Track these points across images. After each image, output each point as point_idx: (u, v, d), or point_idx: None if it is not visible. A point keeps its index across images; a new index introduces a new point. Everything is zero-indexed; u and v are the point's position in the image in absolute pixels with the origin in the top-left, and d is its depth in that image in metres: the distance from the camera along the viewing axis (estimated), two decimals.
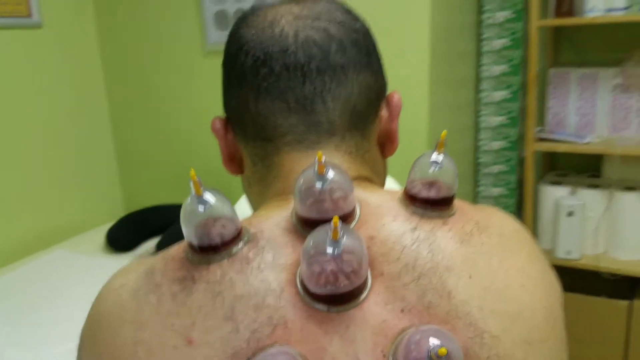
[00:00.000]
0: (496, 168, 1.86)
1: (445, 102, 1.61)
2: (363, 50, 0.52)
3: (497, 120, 1.82)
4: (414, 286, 0.41)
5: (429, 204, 0.46)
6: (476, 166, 1.90)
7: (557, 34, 1.86)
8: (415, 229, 0.44)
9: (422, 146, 1.44)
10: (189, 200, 0.42)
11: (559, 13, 1.64)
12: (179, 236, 1.02)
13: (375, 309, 0.40)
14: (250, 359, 0.37)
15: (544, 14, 1.71)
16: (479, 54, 1.82)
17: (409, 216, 0.45)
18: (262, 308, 0.39)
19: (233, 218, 0.43)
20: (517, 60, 1.76)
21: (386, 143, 0.56)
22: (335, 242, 0.38)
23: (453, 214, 0.46)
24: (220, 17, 1.58)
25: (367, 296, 0.41)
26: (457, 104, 1.74)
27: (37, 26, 1.56)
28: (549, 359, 0.42)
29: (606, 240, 1.78)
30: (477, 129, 1.87)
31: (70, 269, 1.32)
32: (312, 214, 0.43)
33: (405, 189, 0.47)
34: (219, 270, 0.41)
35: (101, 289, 0.47)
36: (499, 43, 1.76)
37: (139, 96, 1.78)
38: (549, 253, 1.81)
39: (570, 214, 1.72)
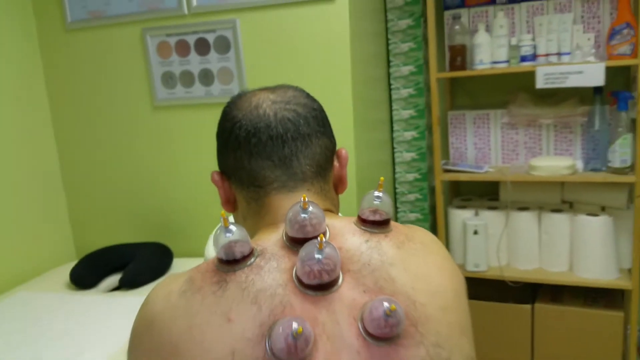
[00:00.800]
0: (412, 196, 2.13)
1: (367, 141, 1.86)
2: (320, 122, 0.75)
3: (410, 155, 2.10)
4: (370, 276, 0.63)
5: (375, 224, 0.68)
6: (395, 195, 2.17)
7: (453, 83, 2.18)
8: (367, 241, 0.67)
9: (351, 178, 1.68)
10: (218, 229, 0.62)
11: (453, 66, 1.95)
12: (139, 271, 1.25)
13: (347, 292, 0.62)
14: (271, 326, 0.57)
15: (441, 68, 2.02)
16: (390, 100, 2.10)
17: (362, 233, 0.68)
18: (275, 296, 0.60)
19: (248, 241, 0.63)
20: (422, 105, 2.05)
21: (339, 185, 0.79)
22: (321, 251, 0.60)
23: (390, 231, 0.69)
24: (166, 77, 1.76)
25: (340, 285, 0.62)
26: (376, 142, 2.00)
27: None
28: (457, 319, 0.65)
29: (507, 253, 2.07)
30: (393, 163, 2.15)
31: (37, 306, 1.40)
32: (299, 235, 0.64)
33: (358, 215, 0.70)
34: (243, 274, 0.61)
35: (146, 299, 0.66)
36: (405, 92, 2.05)
37: (88, 147, 1.88)
38: (460, 267, 2.09)
39: (475, 232, 2.01)
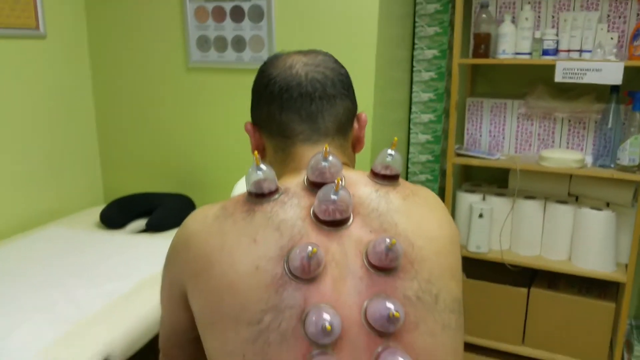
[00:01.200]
0: (423, 177, 2.22)
1: (384, 120, 1.95)
2: (345, 86, 0.84)
3: (424, 137, 2.18)
4: (376, 220, 0.73)
5: (385, 178, 0.78)
6: (407, 175, 2.26)
7: (475, 70, 2.25)
8: (377, 191, 0.76)
9: (367, 150, 1.77)
10: (251, 168, 0.72)
11: (476, 53, 2.02)
12: (164, 217, 1.37)
13: (356, 230, 0.72)
14: (290, 249, 0.67)
15: (464, 54, 2.09)
16: (411, 83, 2.18)
17: (374, 184, 0.77)
18: (295, 226, 0.70)
19: (275, 180, 0.73)
20: (441, 90, 2.13)
21: (357, 144, 0.88)
22: (336, 193, 0.70)
23: (399, 185, 0.79)
24: (202, 41, 1.86)
25: (351, 224, 0.72)
26: (393, 122, 2.08)
27: (42, 37, 1.78)
28: (448, 264, 0.75)
29: (510, 239, 2.16)
30: (408, 144, 2.23)
31: (70, 241, 1.53)
32: (319, 180, 0.74)
33: (371, 169, 0.79)
34: (269, 206, 0.71)
35: (184, 222, 0.76)
36: (427, 75, 2.12)
37: (123, 99, 2.00)
38: (462, 248, 2.19)
39: (480, 215, 2.10)
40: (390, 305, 0.65)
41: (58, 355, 0.98)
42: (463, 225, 2.19)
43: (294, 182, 0.76)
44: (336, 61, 0.86)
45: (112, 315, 1.12)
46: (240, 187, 1.26)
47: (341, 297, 0.68)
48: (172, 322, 0.84)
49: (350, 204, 0.72)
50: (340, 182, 0.69)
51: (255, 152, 0.73)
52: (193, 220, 0.75)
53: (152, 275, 1.29)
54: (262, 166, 0.72)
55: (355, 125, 0.87)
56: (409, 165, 2.22)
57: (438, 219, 0.78)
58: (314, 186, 0.74)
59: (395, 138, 0.79)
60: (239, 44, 1.85)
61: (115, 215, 1.64)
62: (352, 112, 0.85)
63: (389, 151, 0.78)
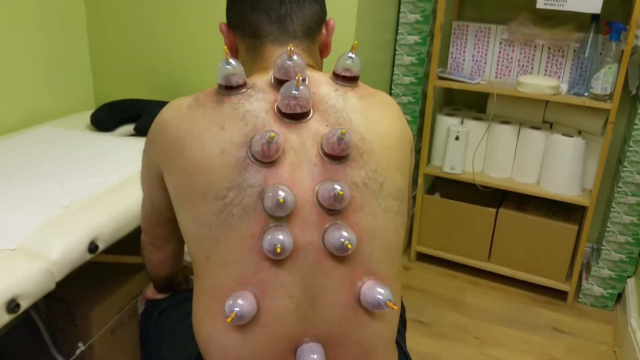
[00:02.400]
0: (405, 99, 2.28)
1: (368, 40, 1.99)
2: None
3: (409, 59, 2.22)
4: (333, 116, 0.81)
5: (345, 79, 0.85)
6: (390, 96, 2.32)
7: None
8: (336, 90, 0.84)
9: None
10: (221, 62, 0.79)
11: None
12: (151, 121, 1.43)
13: (314, 124, 0.80)
14: (253, 136, 0.76)
15: None
16: (399, 3, 2.20)
17: (334, 84, 0.85)
18: (258, 117, 0.78)
19: (243, 75, 0.80)
20: (429, 11, 2.15)
21: (324, 49, 0.95)
22: (297, 88, 0.77)
23: (357, 87, 0.86)
24: None
25: (310, 118, 0.80)
26: (378, 43, 2.12)
27: None
28: (395, 159, 0.83)
29: (483, 161, 2.26)
30: (393, 65, 2.28)
31: (62, 140, 1.59)
32: (283, 77, 0.81)
33: (333, 71, 0.86)
34: (236, 98, 0.79)
35: (161, 111, 0.84)
36: None
37: (115, 9, 2.02)
38: (437, 168, 2.29)
39: (457, 138, 2.19)
40: (337, 186, 0.74)
41: (48, 234, 1.09)
42: (440, 146, 2.29)
43: (262, 79, 0.83)
44: None
45: (100, 203, 1.22)
46: None
47: (296, 180, 0.77)
48: (151, 202, 0.94)
49: (310, 100, 0.80)
50: (300, 78, 0.77)
51: (225, 47, 0.80)
52: (168, 109, 0.84)
53: (138, 172, 1.39)
54: (232, 61, 0.79)
55: (324, 30, 0.93)
56: (393, 86, 2.27)
57: (390, 118, 0.86)
58: (279, 83, 0.82)
59: (356, 42, 0.86)
60: None
61: (106, 119, 1.71)
62: (320, 17, 0.92)
63: (350, 54, 0.85)
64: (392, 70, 2.27)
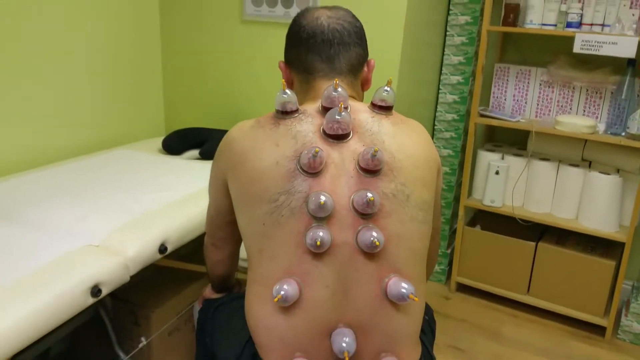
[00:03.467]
0: (447, 134, 2.42)
1: (412, 80, 2.14)
2: (359, 36, 1.07)
3: (452, 97, 2.37)
4: (369, 138, 0.97)
5: (381, 108, 1.01)
6: (433, 131, 2.46)
7: (505, 37, 2.41)
8: (373, 117, 1.00)
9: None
10: (279, 92, 0.97)
11: (505, 22, 2.18)
12: (215, 148, 1.63)
13: (353, 144, 0.96)
14: (302, 152, 0.92)
15: (494, 22, 2.25)
16: (443, 46, 2.36)
17: (371, 112, 1.01)
18: (307, 136, 0.95)
19: (296, 102, 0.98)
20: (471, 54, 2.30)
21: (364, 84, 1.12)
22: (340, 114, 0.94)
23: (391, 115, 1.02)
24: None
25: (350, 139, 0.96)
26: (423, 81, 2.28)
27: None
28: (422, 176, 0.97)
29: (523, 196, 2.35)
30: (436, 103, 2.43)
31: (137, 160, 1.83)
32: (329, 105, 0.98)
33: (371, 101, 1.03)
34: (289, 121, 0.96)
35: (230, 130, 1.02)
36: (458, 39, 2.29)
37: (187, 47, 2.27)
38: (478, 201, 2.39)
39: (497, 172, 2.29)
40: (369, 193, 0.89)
41: (126, 235, 1.28)
42: (481, 180, 2.39)
43: (311, 107, 1.01)
44: (353, 16, 1.09)
45: (170, 212, 1.41)
46: None
47: (336, 189, 0.93)
48: (216, 206, 1.11)
49: (350, 124, 0.96)
50: (342, 106, 0.93)
51: (283, 80, 0.98)
52: (235, 129, 1.02)
53: (203, 187, 1.59)
54: (287, 91, 0.97)
55: (365, 68, 1.10)
56: (436, 122, 2.41)
57: (418, 142, 1.01)
58: (326, 110, 0.98)
59: (390, 77, 1.02)
60: (287, 0, 2.08)
61: (174, 143, 1.93)
62: (363, 57, 1.09)
63: (385, 88, 1.01)
64: (436, 108, 2.41)
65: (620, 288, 2.15)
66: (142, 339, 1.54)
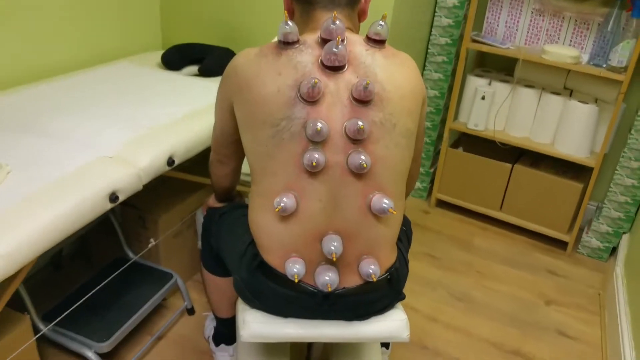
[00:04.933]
0: (440, 58, 2.50)
1: (410, 1, 2.19)
2: None
3: (447, 21, 2.42)
4: (363, 70, 1.08)
5: (375, 42, 1.11)
6: (426, 54, 2.54)
7: None
8: (367, 50, 1.10)
9: (391, 33, 2.05)
10: (281, 23, 1.06)
11: None
12: (213, 64, 1.82)
13: (347, 75, 1.07)
14: (302, 81, 1.04)
15: None
16: None
17: (366, 45, 1.11)
18: (307, 67, 1.05)
19: (297, 34, 1.07)
20: None
21: (361, 15, 1.21)
22: (337, 47, 1.04)
23: (384, 48, 1.12)
24: None
25: (345, 70, 1.07)
26: (419, 4, 2.32)
27: None
28: (408, 106, 1.10)
29: (505, 121, 2.49)
30: (431, 26, 2.48)
31: (139, 75, 1.91)
32: (328, 37, 1.07)
33: (366, 34, 1.12)
34: (291, 51, 1.07)
35: (234, 57, 1.13)
36: None
37: None
38: (462, 124, 2.53)
39: (483, 97, 2.41)
40: (360, 122, 1.02)
41: (137, 147, 1.40)
42: (467, 105, 2.51)
43: (311, 38, 1.10)
44: None
45: (176, 127, 1.52)
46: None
47: (331, 116, 1.05)
48: (221, 126, 1.24)
49: (346, 57, 1.07)
50: (339, 39, 1.04)
51: (285, 11, 1.07)
52: (240, 56, 1.12)
53: (205, 105, 1.70)
54: (289, 22, 1.06)
55: (363, 0, 1.19)
56: (429, 46, 2.49)
57: (407, 74, 1.12)
58: (324, 42, 1.09)
59: (385, 13, 1.11)
60: None
61: (174, 58, 2.00)
62: None
63: (380, 22, 1.11)
64: (430, 30, 2.47)
65: (585, 208, 2.35)
66: (152, 240, 1.71)
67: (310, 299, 1.13)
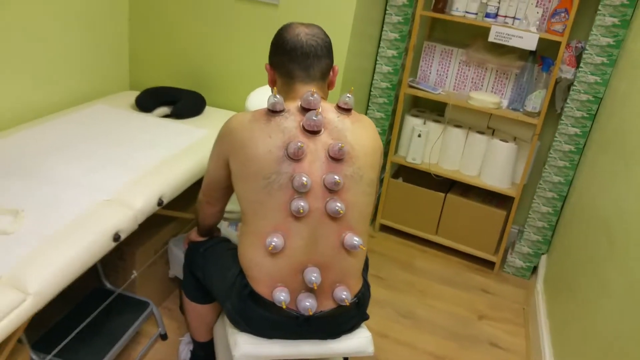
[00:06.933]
0: (381, 100, 2.80)
1: (357, 51, 2.49)
2: (329, 50, 1.40)
3: (387, 69, 2.74)
4: (336, 133, 1.33)
5: (344, 110, 1.37)
6: (369, 96, 2.84)
7: (434, 19, 2.79)
8: (338, 117, 1.35)
9: (340, 77, 2.33)
10: (270, 96, 1.30)
11: (435, 8, 2.55)
12: (185, 108, 2.08)
13: (324, 137, 1.31)
14: (288, 143, 1.27)
15: (427, 7, 2.61)
16: (382, 23, 2.70)
17: (337, 113, 1.36)
18: (291, 131, 1.29)
19: (283, 104, 1.31)
20: (405, 32, 2.66)
21: (330, 85, 1.46)
22: (317, 116, 1.29)
23: (351, 115, 1.38)
24: None
25: (322, 134, 1.32)
26: (364, 53, 2.62)
27: None
28: (371, 162, 1.35)
29: (438, 155, 2.82)
30: (373, 72, 2.79)
31: (116, 117, 2.06)
32: (307, 106, 1.32)
33: (337, 104, 1.38)
34: (278, 118, 1.30)
35: (229, 120, 1.35)
36: (396, 18, 2.64)
37: (155, 13, 2.47)
38: (402, 158, 2.84)
39: (419, 135, 2.73)
40: (336, 177, 1.27)
41: (131, 191, 1.58)
42: (405, 140, 2.83)
43: (293, 106, 1.35)
44: (325, 33, 1.42)
45: (163, 171, 1.71)
46: (253, 97, 1.84)
47: (312, 170, 1.29)
48: (214, 175, 1.45)
49: (322, 123, 1.32)
50: (319, 110, 1.29)
51: (275, 88, 1.31)
52: (235, 120, 1.35)
53: (183, 147, 1.90)
54: (277, 96, 1.30)
55: (331, 73, 1.45)
56: (372, 89, 2.79)
57: (369, 136, 1.39)
58: (304, 109, 1.33)
59: (352, 87, 1.38)
60: None
61: (147, 101, 2.19)
62: (330, 65, 1.43)
63: (348, 95, 1.37)
64: (373, 76, 2.78)
65: (509, 232, 2.71)
66: (134, 272, 1.88)
67: (293, 322, 1.35)
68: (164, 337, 2.04)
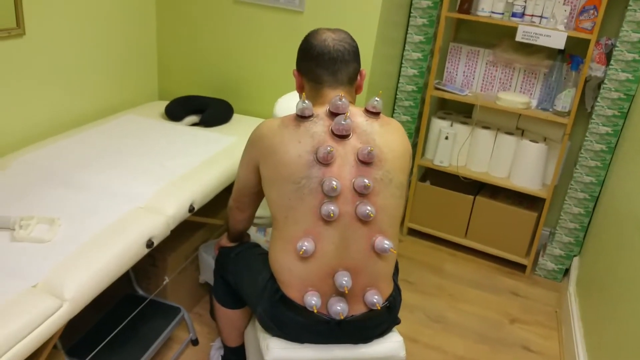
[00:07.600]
0: (407, 103, 2.80)
1: (382, 55, 2.49)
2: (356, 54, 1.40)
3: (412, 71, 2.73)
4: (364, 137, 1.33)
5: (372, 113, 1.37)
6: (395, 100, 2.83)
7: (460, 20, 2.77)
8: (366, 120, 1.36)
9: (366, 81, 2.33)
10: (299, 101, 1.30)
11: (460, 9, 2.54)
12: (214, 116, 2.12)
13: (353, 141, 1.32)
14: (317, 148, 1.28)
15: (452, 8, 2.60)
16: (407, 26, 2.70)
17: (365, 116, 1.37)
18: (320, 135, 1.29)
19: (312, 109, 1.32)
20: (431, 34, 2.65)
21: (357, 90, 1.47)
22: (345, 120, 1.29)
23: (380, 118, 1.38)
24: None
25: (351, 138, 1.32)
26: (389, 57, 2.62)
27: None
28: (400, 165, 1.35)
29: (466, 157, 2.80)
30: (399, 76, 2.79)
31: (147, 127, 2.11)
32: (335, 111, 1.32)
33: (365, 107, 1.38)
34: (307, 123, 1.31)
35: (259, 126, 1.36)
36: (420, 21, 2.64)
37: (183, 24, 2.50)
38: (429, 161, 2.82)
39: (446, 137, 2.71)
40: (366, 180, 1.27)
41: (164, 198, 1.61)
42: (432, 143, 2.81)
43: (321, 111, 1.35)
44: (352, 38, 1.42)
45: (194, 178, 1.74)
46: (281, 103, 1.86)
47: (342, 174, 1.30)
48: (245, 181, 1.46)
49: (351, 127, 1.32)
50: (347, 114, 1.29)
51: (303, 93, 1.32)
52: (265, 126, 1.36)
53: (212, 154, 1.93)
54: (306, 101, 1.31)
55: (358, 77, 1.45)
56: (397, 92, 2.78)
57: (399, 139, 1.38)
58: (332, 114, 1.34)
59: (380, 91, 1.38)
60: None
61: (177, 111, 2.23)
62: (357, 70, 1.43)
63: (376, 98, 1.37)
64: (398, 79, 2.77)
65: (540, 234, 2.67)
66: (166, 277, 1.90)
67: (324, 326, 1.35)
68: (195, 342, 2.06)
